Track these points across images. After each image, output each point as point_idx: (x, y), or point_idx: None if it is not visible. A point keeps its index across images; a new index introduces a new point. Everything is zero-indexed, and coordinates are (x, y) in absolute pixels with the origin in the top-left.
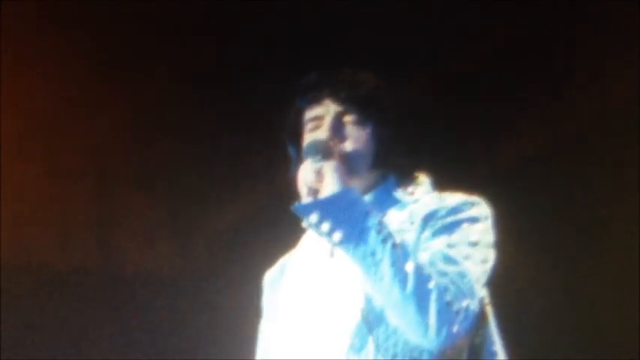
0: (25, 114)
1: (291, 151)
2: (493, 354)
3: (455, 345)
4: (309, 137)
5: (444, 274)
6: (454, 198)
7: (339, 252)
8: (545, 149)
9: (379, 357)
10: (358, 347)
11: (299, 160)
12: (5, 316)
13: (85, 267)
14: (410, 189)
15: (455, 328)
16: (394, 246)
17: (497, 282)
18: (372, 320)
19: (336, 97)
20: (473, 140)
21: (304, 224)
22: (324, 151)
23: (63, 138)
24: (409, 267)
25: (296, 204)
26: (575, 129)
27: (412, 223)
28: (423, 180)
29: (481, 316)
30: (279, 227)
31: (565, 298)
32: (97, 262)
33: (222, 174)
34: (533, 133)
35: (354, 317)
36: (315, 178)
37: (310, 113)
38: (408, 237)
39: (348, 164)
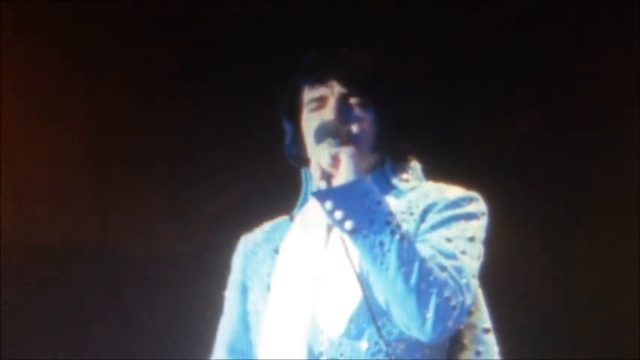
0: (24, 97)
1: (287, 127)
2: (483, 334)
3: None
4: (313, 117)
5: (443, 268)
6: (454, 191)
7: (334, 243)
8: (544, 138)
9: (373, 345)
10: (353, 335)
11: (296, 136)
12: (5, 296)
13: (85, 247)
14: (405, 175)
15: (450, 323)
16: (402, 238)
17: (493, 273)
18: (370, 307)
19: (341, 79)
20: (471, 126)
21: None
22: (336, 134)
23: (63, 119)
24: (414, 260)
25: (315, 190)
26: (574, 116)
27: (412, 214)
28: (416, 165)
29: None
30: (277, 206)
31: (562, 291)
32: (97, 242)
33: (221, 154)
34: (532, 121)
35: (351, 305)
36: (331, 163)
37: (312, 93)
38: (407, 228)
39: (355, 147)
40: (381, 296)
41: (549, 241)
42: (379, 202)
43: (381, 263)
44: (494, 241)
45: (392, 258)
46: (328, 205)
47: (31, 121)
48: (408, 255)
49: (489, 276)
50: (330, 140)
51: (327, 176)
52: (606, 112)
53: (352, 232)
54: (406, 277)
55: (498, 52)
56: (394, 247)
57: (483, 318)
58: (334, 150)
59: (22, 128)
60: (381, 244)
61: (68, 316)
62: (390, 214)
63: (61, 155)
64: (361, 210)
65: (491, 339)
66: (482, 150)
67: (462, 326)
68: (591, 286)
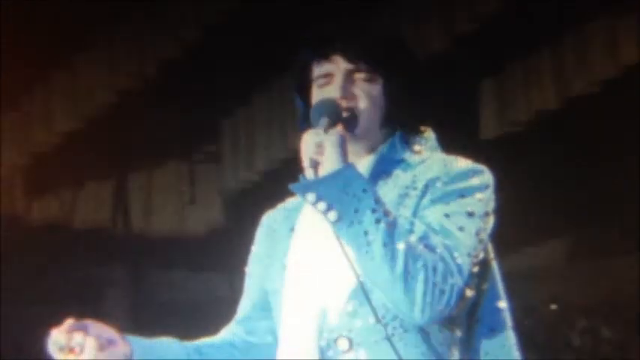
0: (45, 82)
1: (298, 103)
2: (497, 310)
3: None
4: (319, 94)
5: (434, 249)
6: (458, 164)
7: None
8: (555, 112)
9: (375, 322)
10: (356, 312)
11: (306, 112)
12: (23, 272)
13: (102, 227)
14: (417, 147)
15: (439, 308)
16: (387, 226)
17: (509, 250)
18: (364, 290)
19: (347, 54)
20: (482, 98)
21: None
22: (332, 112)
23: (81, 102)
24: (400, 247)
25: (293, 184)
26: (590, 98)
27: (415, 188)
28: (430, 135)
29: (484, 271)
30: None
31: (575, 269)
32: (114, 222)
33: (237, 135)
34: (545, 92)
35: (349, 285)
36: (316, 151)
37: (320, 69)
38: (409, 202)
39: (359, 123)
40: (369, 282)
41: (565, 220)
42: (365, 190)
43: (366, 252)
44: (512, 217)
45: (376, 247)
46: (311, 197)
47: (51, 107)
48: (393, 243)
49: (505, 253)
50: (326, 119)
51: (314, 163)
52: (623, 93)
53: (336, 222)
54: (391, 266)
55: (514, 26)
56: (379, 236)
57: (498, 292)
58: (318, 139)
59: (43, 113)
60: (366, 233)
61: (82, 292)
62: (377, 201)
63: (85, 141)
64: (345, 199)
65: (506, 314)
66: (493, 125)
67: (460, 306)
68: (602, 265)
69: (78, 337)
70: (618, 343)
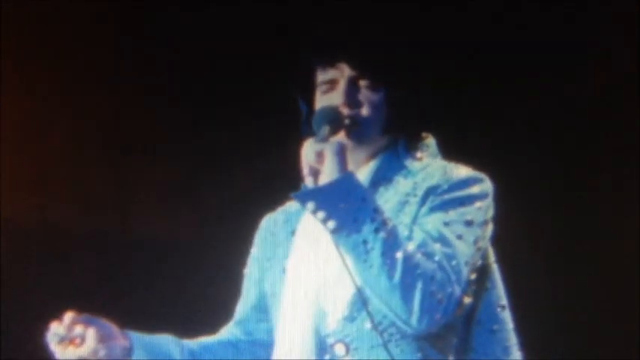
0: (44, 84)
1: (302, 107)
2: (498, 312)
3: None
4: (322, 100)
5: (432, 256)
6: (458, 172)
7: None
8: (557, 121)
9: (372, 328)
10: (354, 318)
11: (309, 116)
12: (20, 276)
13: (102, 231)
14: (418, 154)
15: (437, 316)
16: (386, 235)
17: (509, 252)
18: (362, 297)
19: (351, 61)
20: (484, 106)
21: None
22: (333, 120)
23: (81, 104)
24: (398, 256)
25: (294, 193)
26: (589, 101)
27: (415, 195)
28: (430, 142)
29: (482, 276)
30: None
31: (576, 269)
32: (114, 226)
33: (234, 139)
34: (547, 102)
35: (348, 290)
36: (316, 159)
37: (324, 75)
38: (409, 209)
39: (361, 130)
40: (368, 290)
41: (562, 221)
42: (364, 199)
43: (365, 261)
44: (510, 219)
45: (375, 256)
46: (310, 206)
47: (50, 108)
48: (392, 252)
49: (505, 254)
50: (327, 127)
51: (313, 172)
52: (619, 96)
53: (334, 232)
54: (390, 275)
55: (514, 31)
56: (378, 246)
57: (499, 295)
58: (318, 147)
59: (42, 115)
60: (365, 242)
61: (82, 297)
62: (376, 210)
63: (82, 144)
64: (344, 209)
65: (506, 316)
66: (496, 131)
67: (457, 314)
68: (603, 265)
69: (78, 329)
70: (618, 343)
